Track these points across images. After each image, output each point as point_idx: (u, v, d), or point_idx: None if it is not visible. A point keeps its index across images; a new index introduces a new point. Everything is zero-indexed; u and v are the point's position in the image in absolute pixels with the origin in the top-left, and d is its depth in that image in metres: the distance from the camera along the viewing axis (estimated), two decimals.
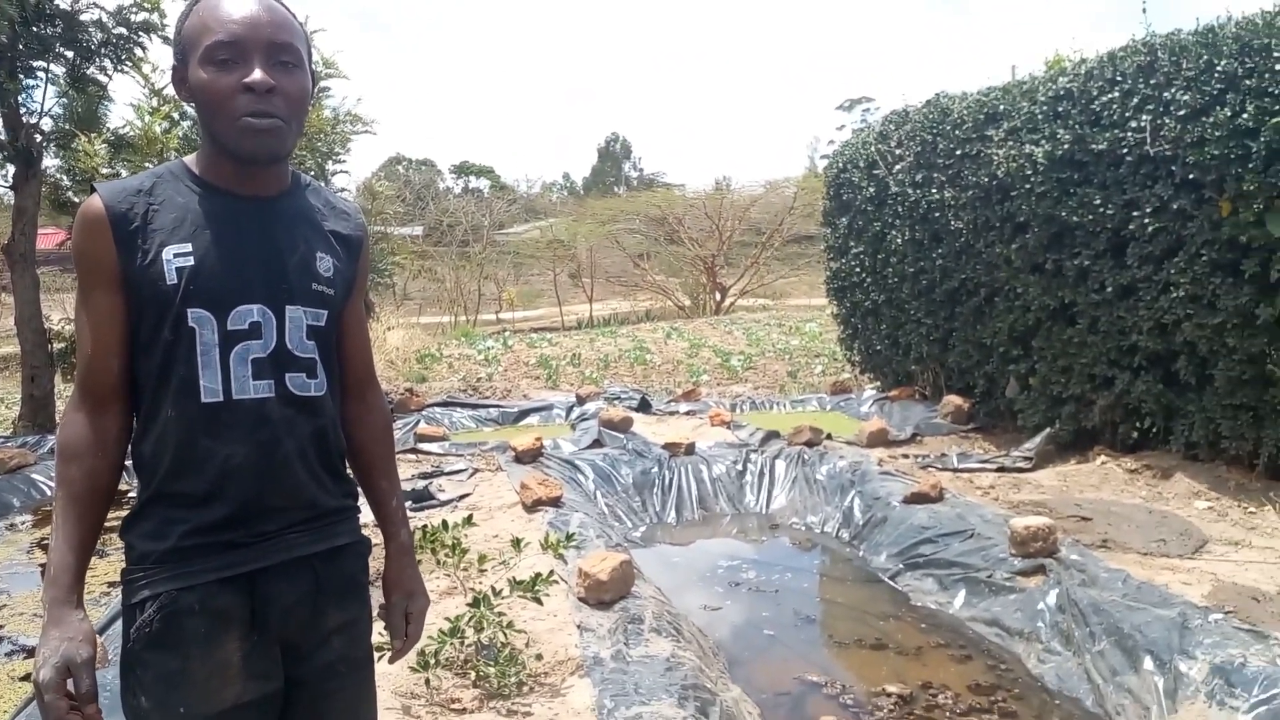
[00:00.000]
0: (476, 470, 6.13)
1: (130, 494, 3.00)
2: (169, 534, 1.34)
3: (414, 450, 6.79)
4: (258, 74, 1.32)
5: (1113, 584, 3.56)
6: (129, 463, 1.43)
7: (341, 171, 9.05)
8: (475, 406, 8.87)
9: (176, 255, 1.32)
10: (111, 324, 1.35)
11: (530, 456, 6.14)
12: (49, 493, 6.48)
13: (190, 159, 1.43)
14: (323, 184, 1.56)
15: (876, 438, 6.54)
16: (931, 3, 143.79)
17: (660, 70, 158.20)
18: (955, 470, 5.80)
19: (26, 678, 3.43)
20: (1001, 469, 5.77)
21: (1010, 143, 6.06)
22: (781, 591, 4.39)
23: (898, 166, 7.58)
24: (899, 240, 7.57)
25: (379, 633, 1.66)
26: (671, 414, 8.25)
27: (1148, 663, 3.07)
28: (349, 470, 1.58)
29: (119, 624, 1.36)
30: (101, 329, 1.35)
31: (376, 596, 1.63)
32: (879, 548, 4.78)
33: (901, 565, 4.51)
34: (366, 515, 1.61)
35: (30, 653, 3.77)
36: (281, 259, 1.40)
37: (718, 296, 21.90)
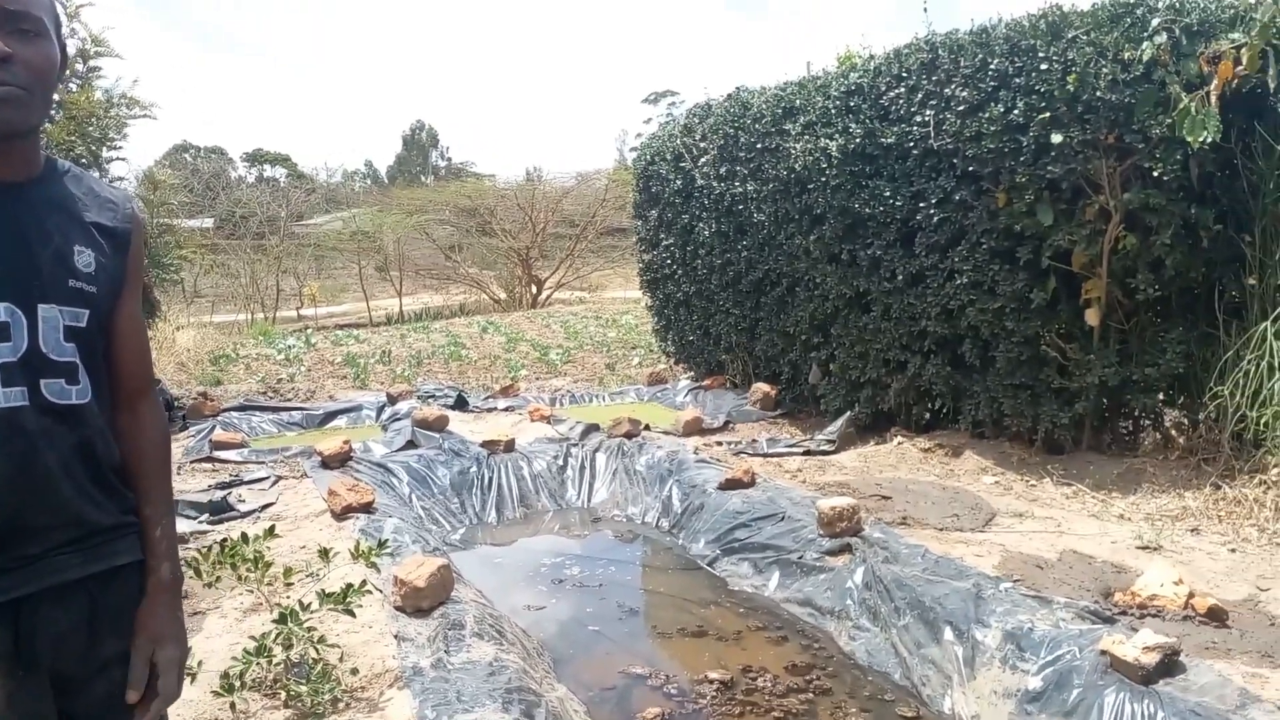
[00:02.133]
0: (280, 478, 5.79)
1: None
2: None
3: (210, 459, 6.33)
4: None
5: (913, 559, 3.78)
6: None
7: (118, 159, 8.30)
8: (277, 410, 8.37)
9: None
10: None
11: (338, 461, 5.86)
12: None
13: None
14: (87, 171, 1.40)
15: (692, 426, 6.68)
16: (731, 3, 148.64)
17: (466, 57, 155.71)
18: (765, 455, 6.01)
19: None
20: (808, 452, 6.02)
21: (806, 137, 6.30)
22: (605, 585, 4.40)
23: (703, 160, 7.75)
24: (706, 232, 7.74)
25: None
26: (490, 411, 8.11)
27: (948, 633, 3.27)
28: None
29: None
30: None
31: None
32: (697, 535, 4.88)
33: (719, 551, 4.62)
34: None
35: None
36: (31, 251, 1.29)
37: (534, 290, 21.79)
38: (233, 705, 2.77)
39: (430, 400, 8.19)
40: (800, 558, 4.15)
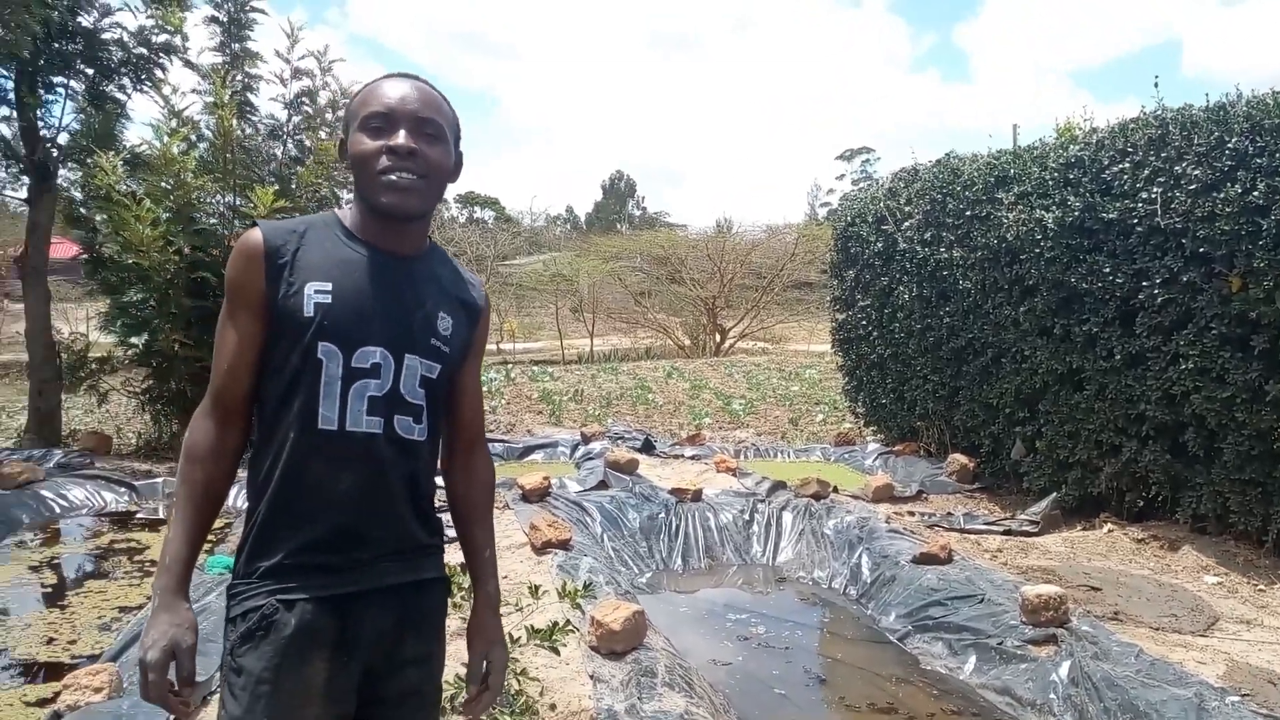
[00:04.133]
0: None
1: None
2: (273, 552, 1.46)
3: None
4: (402, 138, 1.49)
5: (1125, 659, 3.58)
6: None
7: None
8: None
9: (317, 292, 1.47)
10: (250, 346, 1.49)
11: (538, 496, 6.15)
12: (57, 510, 6.46)
13: (342, 213, 1.60)
14: (451, 254, 1.67)
15: (882, 493, 6.57)
16: (928, 57, 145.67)
17: (666, 111, 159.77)
18: (962, 531, 5.83)
19: (41, 703, 3.40)
20: (1008, 532, 5.79)
21: (1020, 206, 6.16)
22: (791, 649, 4.39)
23: (906, 224, 7.69)
24: (906, 296, 7.65)
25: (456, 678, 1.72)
26: (676, 457, 8.26)
27: None
28: (440, 515, 1.67)
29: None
30: (241, 348, 1.49)
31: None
32: (887, 607, 4.79)
33: (910, 627, 4.52)
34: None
35: (40, 673, 3.76)
36: (408, 312, 1.54)
37: (717, 338, 22.00)
38: None
39: (620, 442, 8.45)
40: (1000, 643, 4.00)
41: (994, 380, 6.72)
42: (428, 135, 1.52)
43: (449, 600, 1.72)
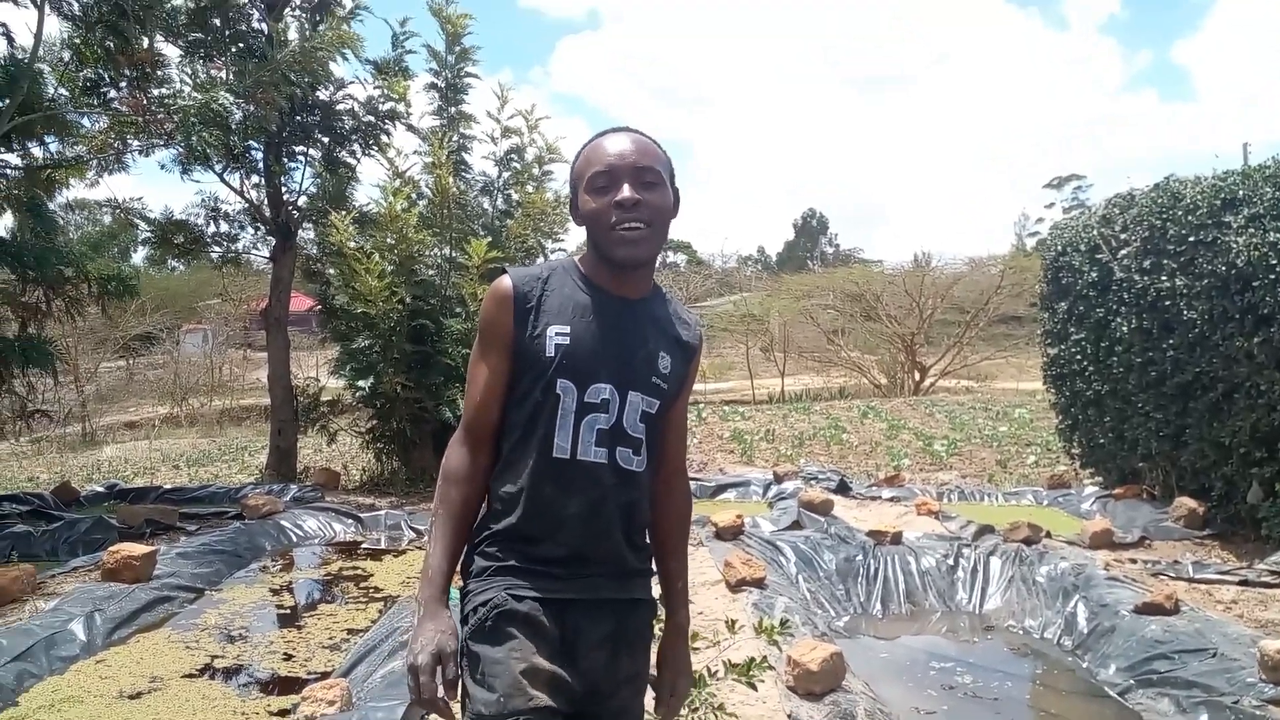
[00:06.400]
0: None
1: None
2: (507, 557, 1.61)
3: None
4: (626, 191, 1.60)
5: None
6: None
7: (559, 249, 9.56)
8: None
9: (557, 334, 1.61)
10: (499, 381, 1.65)
11: (731, 534, 6.19)
12: (294, 538, 7.12)
13: (580, 258, 1.73)
14: (672, 295, 1.82)
15: (1100, 539, 6.14)
16: (1143, 77, 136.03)
17: (859, 149, 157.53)
18: (1191, 580, 5.37)
19: (282, 714, 3.76)
20: (1245, 582, 5.28)
21: (1251, 230, 5.68)
22: (1001, 700, 4.19)
23: (1122, 252, 7.23)
24: (1125, 329, 7.17)
25: None
26: (873, 499, 8.07)
27: None
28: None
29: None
30: (491, 383, 1.65)
31: None
32: (1106, 660, 4.48)
33: (1132, 681, 4.20)
34: None
35: (281, 687, 4.15)
36: (634, 351, 1.66)
37: (916, 376, 21.28)
38: None
39: (813, 482, 8.35)
40: (1235, 702, 3.65)
41: (1226, 417, 6.16)
42: (648, 184, 1.63)
43: (654, 622, 1.79)
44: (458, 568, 1.67)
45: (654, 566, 1.79)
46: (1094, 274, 7.65)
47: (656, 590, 1.84)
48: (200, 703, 3.92)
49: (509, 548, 1.61)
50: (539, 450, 1.60)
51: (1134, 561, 5.77)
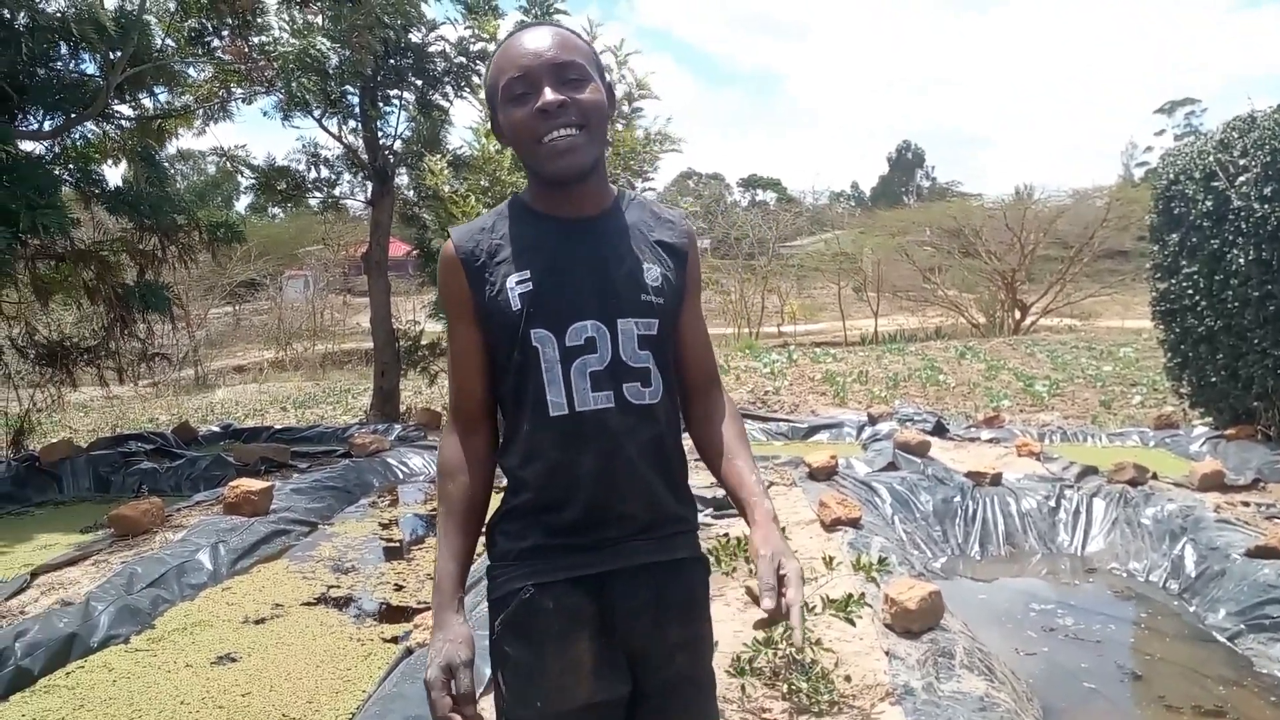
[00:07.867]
0: (771, 484, 6.26)
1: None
2: (527, 535, 1.45)
3: None
4: (549, 95, 1.39)
5: None
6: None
7: (649, 189, 9.51)
8: (765, 419, 9.04)
9: (518, 283, 1.43)
10: (474, 353, 1.49)
11: (825, 474, 6.18)
12: (400, 475, 7.43)
13: (524, 193, 1.53)
14: (647, 195, 1.67)
15: (1210, 480, 5.93)
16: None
17: (957, 77, 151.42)
18: None
19: (395, 640, 3.97)
20: None
21: None
22: (1103, 642, 4.12)
23: (1241, 178, 6.84)
24: (1241, 260, 6.82)
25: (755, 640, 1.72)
26: (971, 440, 7.94)
27: None
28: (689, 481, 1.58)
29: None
30: (466, 358, 1.50)
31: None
32: (1215, 604, 4.36)
33: (1243, 626, 4.09)
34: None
35: (391, 616, 4.36)
36: (609, 275, 1.46)
37: (1017, 315, 20.65)
38: (743, 688, 3.11)
39: (909, 424, 8.25)
40: None
41: None
42: (572, 81, 1.41)
43: (708, 580, 1.60)
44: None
45: (702, 501, 1.62)
46: (1209, 203, 7.27)
47: (709, 540, 1.60)
48: (319, 629, 4.16)
49: (530, 522, 1.46)
50: (534, 413, 1.43)
51: (1246, 505, 5.57)
